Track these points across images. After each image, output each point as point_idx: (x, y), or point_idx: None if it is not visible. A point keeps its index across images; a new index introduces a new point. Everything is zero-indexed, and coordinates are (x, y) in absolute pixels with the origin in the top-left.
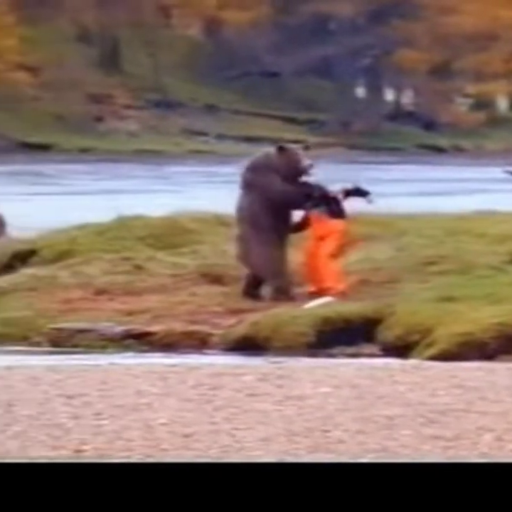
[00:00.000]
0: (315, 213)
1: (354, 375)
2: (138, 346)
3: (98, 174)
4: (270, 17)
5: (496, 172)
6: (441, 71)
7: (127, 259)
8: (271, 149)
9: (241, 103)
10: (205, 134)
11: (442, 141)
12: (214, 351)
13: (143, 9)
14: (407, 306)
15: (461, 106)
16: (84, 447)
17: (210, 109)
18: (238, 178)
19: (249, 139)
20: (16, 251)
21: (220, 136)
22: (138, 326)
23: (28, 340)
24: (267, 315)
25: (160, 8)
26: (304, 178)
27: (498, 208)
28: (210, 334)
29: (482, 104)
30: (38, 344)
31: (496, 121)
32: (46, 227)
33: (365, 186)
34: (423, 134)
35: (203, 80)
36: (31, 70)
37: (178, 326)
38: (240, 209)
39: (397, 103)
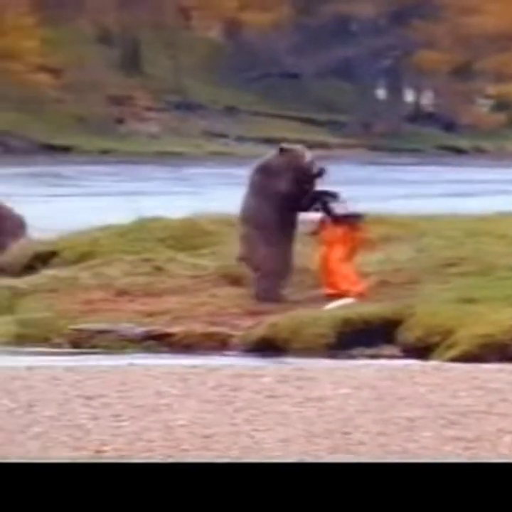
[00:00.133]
0: (324, 218)
1: (374, 377)
2: (158, 347)
3: (119, 176)
4: (291, 18)
5: None
6: (462, 72)
7: (148, 260)
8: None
9: (261, 105)
10: (225, 136)
11: (463, 143)
12: (234, 352)
13: (163, 11)
14: (428, 308)
15: (482, 107)
16: (105, 448)
17: (230, 110)
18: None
19: (270, 141)
20: (37, 252)
21: (240, 138)
22: (158, 327)
23: (49, 341)
24: (287, 316)
25: (180, 10)
26: (311, 180)
27: None
28: (230, 335)
29: (503, 105)
30: (58, 345)
31: None
32: (67, 228)
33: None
34: (443, 135)
35: (223, 81)
36: (52, 71)
37: (198, 327)
38: (246, 209)
39: (417, 104)
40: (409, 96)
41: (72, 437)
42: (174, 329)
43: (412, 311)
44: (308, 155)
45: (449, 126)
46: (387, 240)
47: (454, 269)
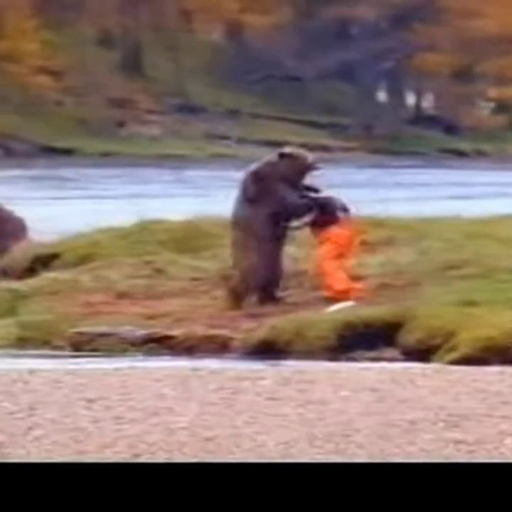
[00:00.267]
0: (317, 218)
1: (375, 379)
2: (159, 350)
3: (120, 178)
4: (292, 21)
5: None
6: (463, 75)
7: (149, 263)
8: (273, 156)
9: (263, 107)
10: (226, 139)
11: (464, 145)
12: (235, 355)
13: (165, 13)
14: (429, 310)
15: (483, 110)
16: (106, 451)
17: (232, 113)
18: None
19: (271, 143)
20: (38, 255)
21: (242, 141)
22: (159, 329)
23: (50, 344)
24: (287, 319)
25: (182, 13)
26: (306, 183)
27: None
28: (231, 338)
29: (504, 107)
30: (59, 348)
31: None
32: (67, 231)
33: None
34: (444, 138)
35: (225, 84)
36: (54, 74)
37: (199, 330)
38: (235, 214)
39: (418, 107)
40: (410, 99)
41: (74, 440)
42: (175, 332)
43: (413, 313)
44: (309, 158)
45: (450, 129)
46: (388, 242)
47: (455, 272)
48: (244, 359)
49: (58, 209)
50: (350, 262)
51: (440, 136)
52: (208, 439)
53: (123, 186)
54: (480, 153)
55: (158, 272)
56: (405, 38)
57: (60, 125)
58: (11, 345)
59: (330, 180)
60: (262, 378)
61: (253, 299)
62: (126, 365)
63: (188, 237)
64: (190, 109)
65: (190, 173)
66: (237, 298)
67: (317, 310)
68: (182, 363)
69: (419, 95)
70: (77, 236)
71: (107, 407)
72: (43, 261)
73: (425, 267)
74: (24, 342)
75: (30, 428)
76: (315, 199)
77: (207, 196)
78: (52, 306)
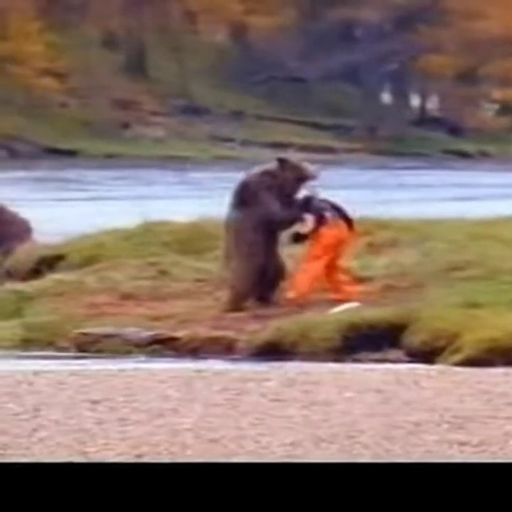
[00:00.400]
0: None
1: (380, 381)
2: (163, 351)
3: (124, 180)
4: (296, 23)
5: None
6: (467, 76)
7: (153, 264)
8: (270, 164)
9: (267, 109)
10: (231, 140)
11: (468, 147)
12: (239, 356)
13: (169, 15)
14: (433, 312)
15: (487, 111)
16: (110, 452)
17: (236, 115)
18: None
19: (275, 145)
20: (43, 256)
21: (246, 142)
22: (163, 331)
23: (55, 345)
24: (292, 320)
25: (186, 14)
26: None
27: None
28: (235, 339)
29: (508, 109)
30: (64, 349)
31: None
32: (72, 232)
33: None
34: (449, 139)
35: (229, 85)
36: (58, 76)
37: (204, 331)
38: (228, 219)
39: (422, 109)
40: (414, 100)
41: (78, 441)
42: (179, 333)
43: (418, 315)
44: (308, 169)
45: (454, 131)
46: (393, 244)
47: (459, 274)
48: (249, 360)
49: (62, 210)
50: (350, 262)
51: (444, 138)
52: (212, 441)
53: (127, 188)
54: (484, 155)
55: (163, 273)
56: (409, 40)
57: (64, 127)
58: (15, 347)
59: (334, 182)
60: (267, 379)
61: (248, 303)
62: (131, 367)
63: (192, 239)
64: (194, 111)
65: (194, 175)
66: (232, 301)
67: (322, 311)
68: (186, 365)
69: (423, 97)
70: (82, 237)
71: (112, 408)
72: (48, 262)
73: (429, 269)
74: (29, 343)
75: (34, 429)
76: (303, 201)
77: (211, 198)
78: (57, 307)
